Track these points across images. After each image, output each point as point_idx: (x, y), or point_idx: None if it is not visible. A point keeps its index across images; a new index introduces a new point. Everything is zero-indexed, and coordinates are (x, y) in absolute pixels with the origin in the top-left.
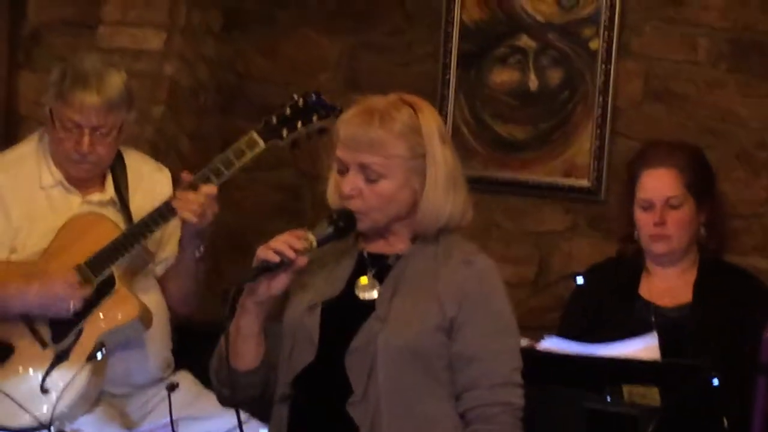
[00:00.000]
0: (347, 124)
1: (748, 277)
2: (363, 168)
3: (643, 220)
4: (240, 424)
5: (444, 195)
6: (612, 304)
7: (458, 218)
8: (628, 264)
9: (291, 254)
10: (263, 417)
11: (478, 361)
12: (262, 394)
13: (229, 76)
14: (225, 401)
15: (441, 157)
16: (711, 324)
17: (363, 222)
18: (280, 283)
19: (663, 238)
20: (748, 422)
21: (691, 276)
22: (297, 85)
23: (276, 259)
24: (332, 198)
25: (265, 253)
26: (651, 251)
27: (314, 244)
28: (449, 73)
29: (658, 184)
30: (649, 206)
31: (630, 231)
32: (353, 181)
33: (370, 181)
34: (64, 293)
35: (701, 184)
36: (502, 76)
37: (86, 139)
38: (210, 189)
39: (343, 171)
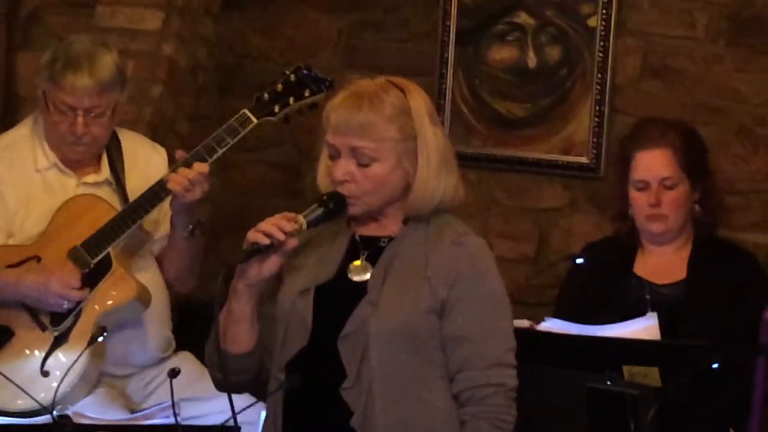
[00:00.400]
0: (336, 110)
1: (742, 253)
2: (354, 152)
3: (639, 201)
4: (233, 409)
5: (436, 176)
6: (607, 282)
7: (450, 198)
8: (623, 242)
9: (280, 236)
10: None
11: (470, 342)
12: (256, 377)
13: (227, 55)
14: (219, 385)
15: (432, 138)
16: (705, 299)
17: (356, 206)
18: (270, 265)
19: (659, 218)
20: (746, 401)
21: (686, 253)
22: (295, 64)
23: (266, 241)
24: (323, 181)
25: (254, 235)
26: (647, 231)
27: (304, 226)
28: (447, 51)
29: (653, 165)
30: (644, 187)
31: (624, 209)
32: (345, 166)
33: (362, 165)
34: (59, 292)
35: (695, 162)
36: (501, 54)
37: (80, 120)
38: (202, 167)
39: (335, 156)
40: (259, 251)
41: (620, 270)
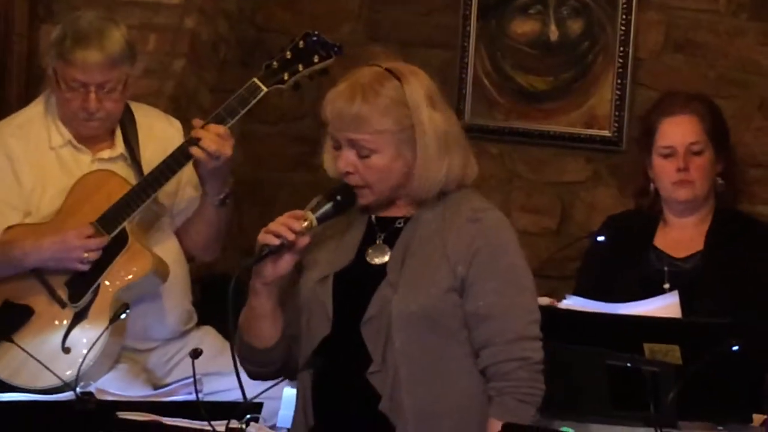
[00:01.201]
0: (332, 102)
1: (761, 226)
2: (353, 144)
3: (665, 168)
4: (243, 391)
5: (437, 161)
6: (627, 255)
7: (458, 178)
8: (645, 216)
9: (290, 236)
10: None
11: (492, 317)
12: (283, 367)
13: (249, 29)
14: (251, 376)
15: (429, 125)
16: (721, 272)
17: (366, 197)
18: (285, 264)
19: (686, 183)
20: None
21: (706, 226)
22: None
23: (276, 242)
24: (329, 165)
25: (264, 237)
26: (674, 198)
27: (314, 223)
28: (470, 24)
29: (680, 129)
30: (670, 153)
31: (645, 185)
32: (347, 158)
33: (362, 156)
34: (77, 244)
35: (719, 132)
36: (523, 27)
37: (92, 96)
38: (217, 128)
39: (337, 147)
40: (270, 253)
41: (640, 243)
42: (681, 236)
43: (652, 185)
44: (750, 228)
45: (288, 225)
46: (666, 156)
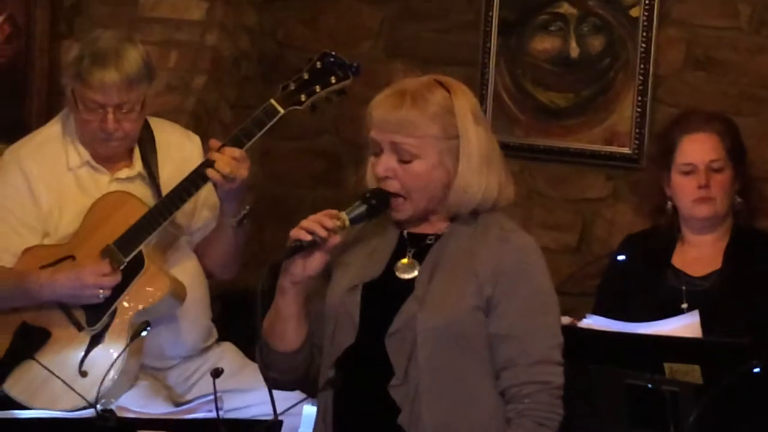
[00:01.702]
0: (379, 106)
1: None
2: (395, 148)
3: (686, 185)
4: (274, 405)
5: (478, 175)
6: (645, 274)
7: (494, 198)
8: (662, 234)
9: (322, 232)
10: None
11: (515, 339)
12: (305, 375)
13: (270, 45)
14: (270, 383)
15: (474, 137)
16: (738, 290)
17: (402, 209)
18: (315, 263)
19: (707, 200)
20: None
21: (724, 244)
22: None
23: (308, 237)
24: (370, 181)
25: (297, 232)
26: (694, 216)
27: (347, 223)
28: (490, 41)
29: (701, 147)
30: (691, 170)
31: (662, 203)
32: (387, 162)
33: (404, 161)
34: (93, 282)
35: (738, 150)
36: (544, 44)
37: (110, 117)
38: (233, 151)
39: (378, 152)
40: (302, 248)
41: (658, 262)
42: (699, 255)
43: (669, 203)
44: (765, 243)
45: (321, 222)
46: (686, 173)
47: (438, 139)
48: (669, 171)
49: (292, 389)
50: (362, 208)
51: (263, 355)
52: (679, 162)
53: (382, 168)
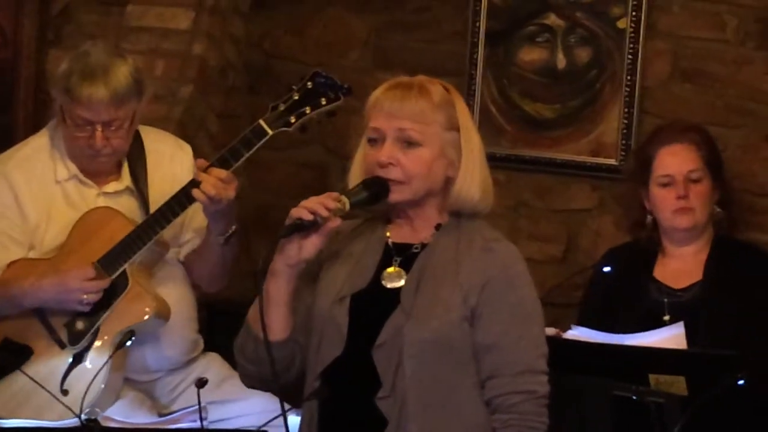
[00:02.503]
0: (386, 95)
1: (759, 251)
2: (401, 133)
3: (665, 197)
4: (283, 408)
5: (480, 170)
6: (627, 287)
7: (487, 199)
8: (643, 247)
9: (324, 213)
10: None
11: (499, 349)
12: (285, 372)
13: (257, 55)
14: (248, 379)
15: (474, 134)
16: (720, 300)
17: (399, 192)
18: (311, 245)
19: (687, 211)
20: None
21: (705, 255)
22: (325, 64)
23: (309, 217)
24: (356, 176)
25: (298, 211)
26: (674, 227)
27: (347, 206)
28: (477, 52)
29: (678, 158)
30: (669, 182)
31: (642, 217)
32: (390, 150)
33: (409, 146)
34: (77, 287)
35: (716, 161)
36: (531, 55)
37: (99, 134)
38: (220, 172)
39: (378, 141)
40: (303, 227)
41: (640, 275)
42: (680, 267)
43: (648, 217)
44: (748, 255)
45: (323, 203)
46: (665, 185)
47: (442, 128)
48: (647, 185)
49: (265, 389)
50: (364, 194)
51: (244, 344)
52: (657, 174)
53: (386, 155)
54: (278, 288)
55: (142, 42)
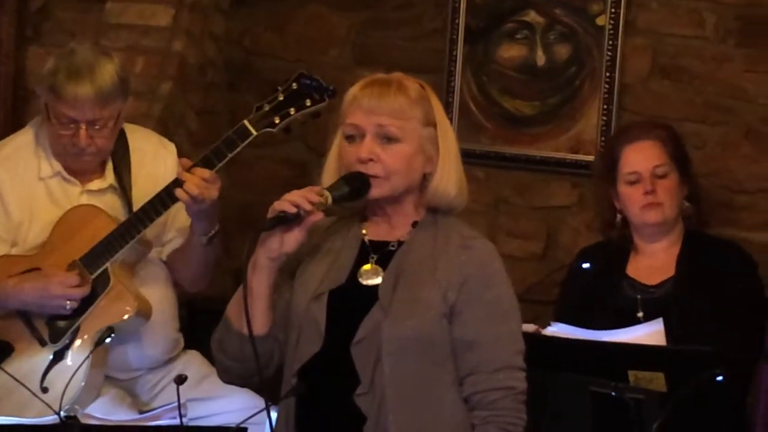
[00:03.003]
0: (364, 92)
1: (729, 244)
2: (381, 129)
3: (632, 194)
4: (267, 405)
5: (456, 166)
6: (601, 285)
7: (462, 197)
8: (616, 246)
9: (307, 206)
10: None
11: (478, 346)
12: (264, 368)
13: (237, 52)
14: (226, 375)
15: (450, 131)
16: (692, 295)
17: (382, 187)
18: (293, 238)
19: (655, 206)
20: (742, 402)
21: (676, 250)
22: (306, 61)
23: (292, 210)
24: (331, 172)
25: (281, 204)
26: (644, 223)
27: (329, 200)
28: (457, 49)
29: (643, 155)
30: (636, 179)
31: (612, 217)
32: (370, 146)
33: (388, 141)
34: (60, 293)
35: (682, 156)
36: (510, 52)
37: (83, 133)
38: (203, 172)
39: (356, 138)
40: (285, 220)
41: (614, 273)
42: (652, 263)
43: (618, 216)
44: (719, 249)
45: (306, 196)
46: (632, 183)
47: (420, 124)
48: (615, 184)
49: (243, 385)
50: (345, 188)
51: (223, 340)
52: (623, 172)
53: (366, 151)
54: (260, 282)
55: (122, 39)
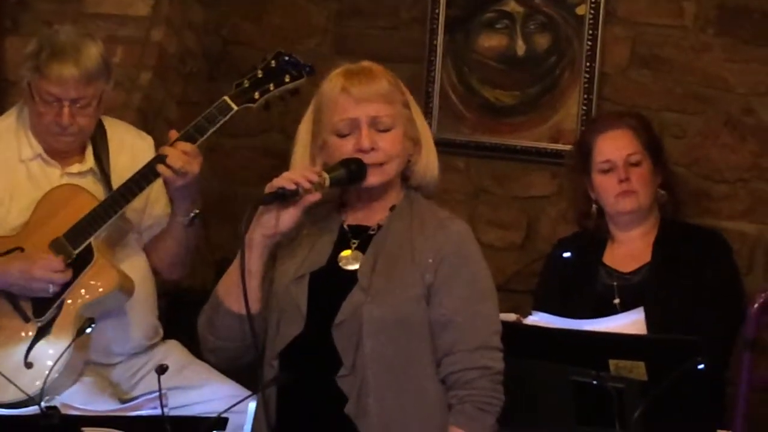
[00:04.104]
0: (350, 82)
1: (706, 231)
2: (375, 121)
3: (606, 182)
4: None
5: (433, 147)
6: (579, 274)
7: (436, 176)
8: (592, 236)
9: (305, 184)
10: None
11: (455, 325)
12: (247, 350)
13: (215, 42)
14: (212, 354)
15: (419, 113)
16: (667, 280)
17: (380, 175)
18: (288, 218)
19: (629, 194)
20: (721, 386)
21: (652, 238)
22: (276, 49)
23: (292, 186)
24: (303, 161)
25: (280, 180)
26: (618, 212)
27: (327, 182)
28: (437, 39)
29: (616, 144)
30: (610, 168)
31: (587, 207)
32: (369, 136)
33: (383, 131)
34: (43, 277)
35: (654, 144)
36: (490, 41)
37: (66, 111)
38: (185, 146)
39: (348, 132)
40: (284, 196)
41: (590, 261)
42: (628, 251)
43: (594, 206)
44: (694, 235)
45: (305, 175)
46: (606, 171)
47: (402, 107)
48: (590, 173)
49: (228, 367)
50: (342, 172)
51: (212, 319)
52: (597, 161)
53: (368, 141)
54: (253, 259)
55: (101, 29)
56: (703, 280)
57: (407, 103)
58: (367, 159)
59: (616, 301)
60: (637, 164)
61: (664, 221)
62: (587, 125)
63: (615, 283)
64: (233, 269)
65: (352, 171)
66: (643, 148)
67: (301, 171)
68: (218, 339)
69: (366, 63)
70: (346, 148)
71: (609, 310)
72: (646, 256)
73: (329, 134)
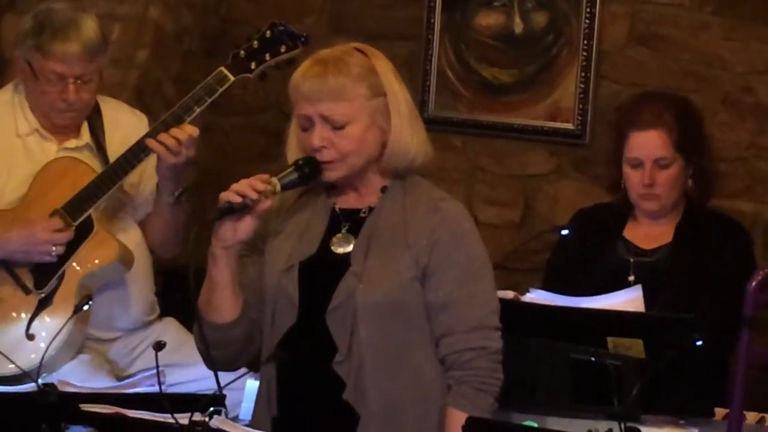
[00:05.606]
0: (305, 79)
1: (730, 221)
2: (327, 118)
3: (633, 178)
4: (219, 383)
5: (410, 128)
6: (595, 247)
7: (423, 155)
8: (616, 209)
9: (253, 195)
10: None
11: (451, 306)
12: (243, 351)
13: (213, 20)
14: (211, 363)
15: (401, 93)
16: (686, 262)
17: (337, 170)
18: (245, 226)
19: (652, 198)
20: (725, 368)
21: (677, 221)
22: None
23: (238, 199)
24: (292, 153)
25: (227, 194)
26: (640, 208)
27: (278, 187)
28: (434, 17)
29: (647, 145)
30: (637, 165)
31: (617, 178)
32: (321, 133)
33: (338, 128)
34: (45, 238)
35: (690, 140)
36: (488, 20)
37: (72, 88)
38: (189, 130)
39: (308, 126)
40: (232, 210)
41: (610, 234)
42: (650, 230)
43: (623, 181)
44: (717, 221)
45: (252, 185)
46: (634, 166)
47: (367, 99)
48: (621, 159)
49: (232, 367)
50: (294, 175)
51: (200, 332)
52: (627, 155)
53: (317, 139)
54: (219, 272)
55: (98, 6)
56: (720, 268)
57: (380, 92)
58: (320, 156)
59: (631, 278)
60: (665, 167)
61: (690, 207)
62: (626, 108)
63: (632, 259)
64: (206, 283)
65: (303, 173)
66: (674, 150)
67: (248, 181)
68: (211, 348)
69: (335, 52)
70: (308, 141)
71: (622, 287)
72: (667, 237)
73: (296, 123)
